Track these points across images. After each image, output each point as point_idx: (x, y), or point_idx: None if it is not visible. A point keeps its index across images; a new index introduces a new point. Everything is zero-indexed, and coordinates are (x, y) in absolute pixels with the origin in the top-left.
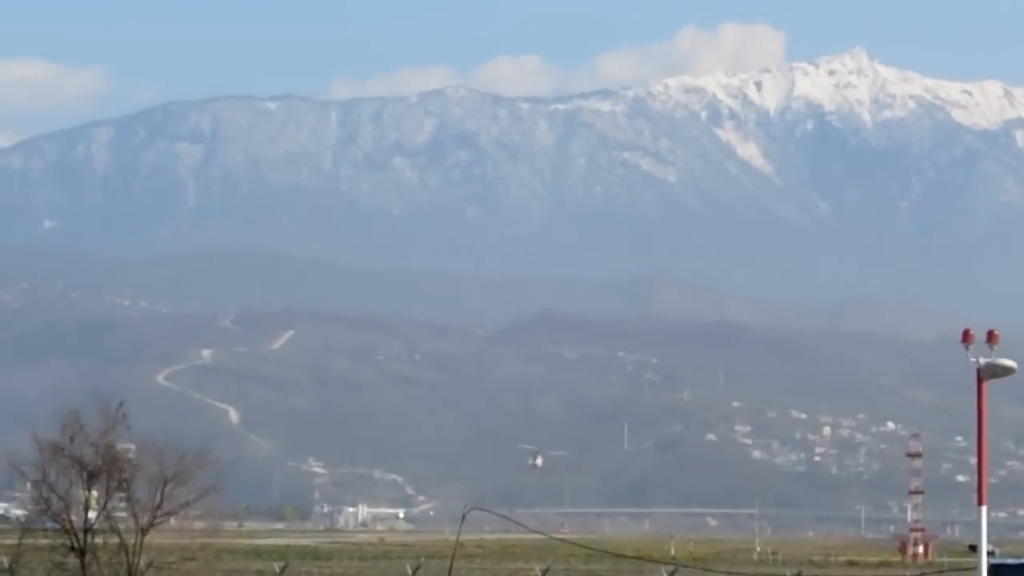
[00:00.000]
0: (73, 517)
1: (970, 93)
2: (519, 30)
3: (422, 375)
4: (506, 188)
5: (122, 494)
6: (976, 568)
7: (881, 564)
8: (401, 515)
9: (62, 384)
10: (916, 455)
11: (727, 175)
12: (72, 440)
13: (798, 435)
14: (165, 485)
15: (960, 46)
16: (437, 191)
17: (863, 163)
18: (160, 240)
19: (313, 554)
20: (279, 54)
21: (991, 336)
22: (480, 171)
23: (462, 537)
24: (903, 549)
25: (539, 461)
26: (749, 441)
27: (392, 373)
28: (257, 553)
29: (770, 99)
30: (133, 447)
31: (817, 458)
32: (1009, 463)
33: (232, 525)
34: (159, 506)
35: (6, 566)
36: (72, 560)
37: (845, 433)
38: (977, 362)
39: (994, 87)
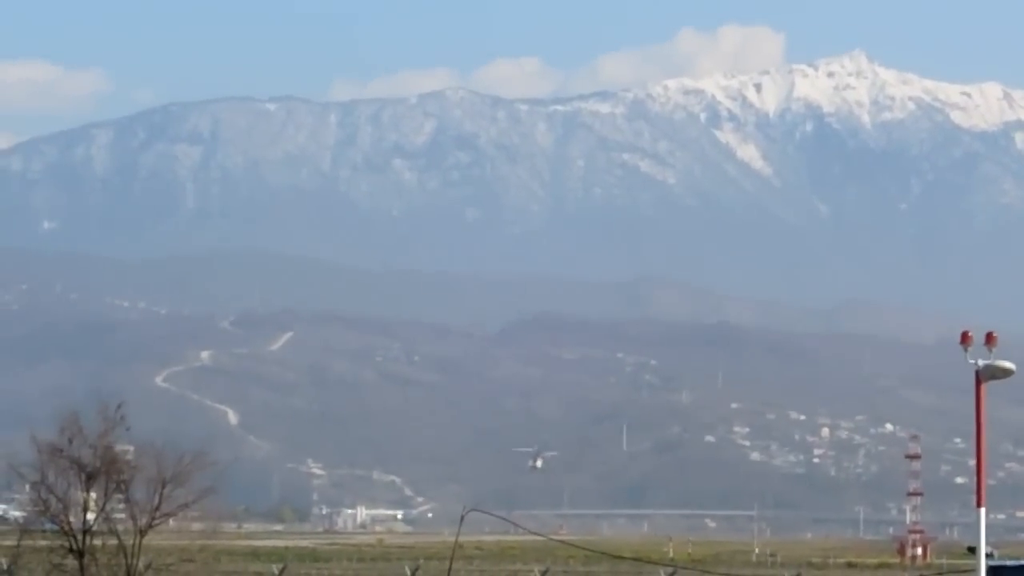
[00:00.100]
0: (72, 518)
1: (969, 95)
2: (518, 32)
3: (421, 376)
4: (505, 189)
5: (121, 495)
6: (975, 570)
7: (880, 566)
8: (400, 516)
9: (61, 385)
10: (915, 457)
11: (726, 177)
12: (71, 441)
13: (797, 437)
14: (164, 486)
15: (959, 48)
16: (436, 192)
17: (862, 165)
18: (159, 241)
19: (312, 556)
20: (279, 56)
21: (990, 338)
22: (479, 172)
23: (461, 539)
24: (902, 551)
25: (539, 463)
26: (748, 443)
27: (391, 374)
28: (256, 555)
29: (769, 101)
30: (132, 448)
31: (816, 460)
32: (1008, 465)
33: (231, 527)
34: (158, 507)
35: (5, 567)
36: (71, 561)
37: (844, 435)
38: (976, 364)
39: (993, 89)
